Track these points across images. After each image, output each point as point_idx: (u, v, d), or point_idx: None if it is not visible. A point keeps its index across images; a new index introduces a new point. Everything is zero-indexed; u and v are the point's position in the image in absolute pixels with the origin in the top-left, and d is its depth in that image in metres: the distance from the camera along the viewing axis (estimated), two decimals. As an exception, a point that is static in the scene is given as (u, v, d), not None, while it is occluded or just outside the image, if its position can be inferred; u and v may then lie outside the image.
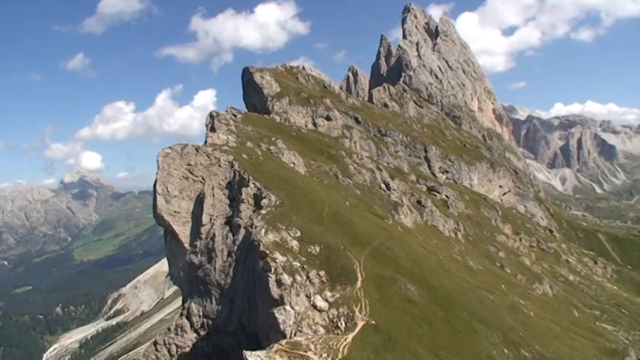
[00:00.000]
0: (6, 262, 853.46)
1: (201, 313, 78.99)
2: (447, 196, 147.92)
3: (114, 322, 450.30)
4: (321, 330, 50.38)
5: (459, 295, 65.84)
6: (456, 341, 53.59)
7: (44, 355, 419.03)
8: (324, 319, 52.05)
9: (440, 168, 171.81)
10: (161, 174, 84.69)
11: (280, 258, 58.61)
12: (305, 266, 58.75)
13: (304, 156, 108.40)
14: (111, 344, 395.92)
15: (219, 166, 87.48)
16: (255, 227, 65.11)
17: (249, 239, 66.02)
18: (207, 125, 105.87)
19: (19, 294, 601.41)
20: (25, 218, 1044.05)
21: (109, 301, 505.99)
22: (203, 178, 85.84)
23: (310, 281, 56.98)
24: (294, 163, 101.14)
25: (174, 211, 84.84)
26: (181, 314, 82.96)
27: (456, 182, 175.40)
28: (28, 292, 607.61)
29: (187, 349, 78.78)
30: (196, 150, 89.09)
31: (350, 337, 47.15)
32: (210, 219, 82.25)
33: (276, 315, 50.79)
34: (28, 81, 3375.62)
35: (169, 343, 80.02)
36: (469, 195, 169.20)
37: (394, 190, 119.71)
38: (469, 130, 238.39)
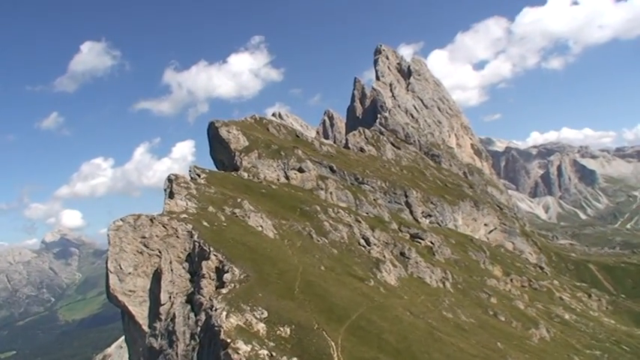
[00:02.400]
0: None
1: (164, 406, 69.99)
2: (431, 242, 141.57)
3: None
4: None
5: (452, 373, 57.93)
6: None
7: None
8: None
9: (422, 212, 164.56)
10: (112, 250, 76.22)
11: (244, 348, 50.81)
12: (274, 354, 51.03)
13: (274, 216, 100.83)
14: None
15: (177, 237, 79.36)
16: (216, 310, 57.39)
17: (210, 323, 57.95)
18: (165, 190, 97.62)
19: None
20: (6, 281, 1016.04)
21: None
22: (160, 252, 77.52)
23: (280, 372, 49.18)
24: (262, 227, 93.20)
25: (130, 290, 76.11)
26: (143, 407, 73.92)
27: (440, 225, 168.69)
28: (11, 358, 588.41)
29: None
30: (151, 220, 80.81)
31: None
32: (170, 297, 73.73)
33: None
34: (3, 142, 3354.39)
35: None
36: (455, 237, 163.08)
37: (374, 244, 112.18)
38: (449, 168, 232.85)
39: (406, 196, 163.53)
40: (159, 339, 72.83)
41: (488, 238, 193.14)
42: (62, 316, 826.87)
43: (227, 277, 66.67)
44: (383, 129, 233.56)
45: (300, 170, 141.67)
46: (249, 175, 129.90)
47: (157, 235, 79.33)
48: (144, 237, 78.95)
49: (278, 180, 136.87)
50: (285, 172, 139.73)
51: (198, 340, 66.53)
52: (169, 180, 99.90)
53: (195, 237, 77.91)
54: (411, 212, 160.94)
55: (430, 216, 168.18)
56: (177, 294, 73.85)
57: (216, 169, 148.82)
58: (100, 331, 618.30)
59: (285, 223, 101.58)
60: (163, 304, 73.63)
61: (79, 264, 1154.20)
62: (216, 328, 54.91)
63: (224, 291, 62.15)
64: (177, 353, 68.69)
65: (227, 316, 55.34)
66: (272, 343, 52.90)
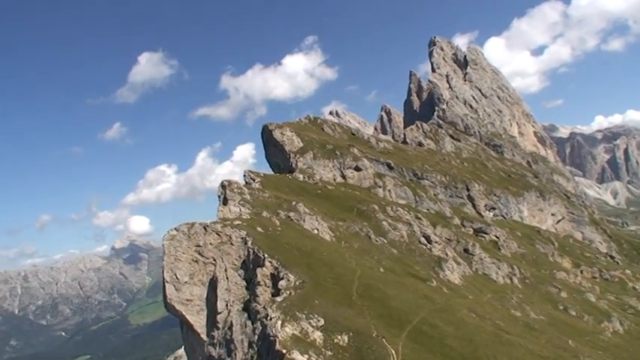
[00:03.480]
0: (63, 333, 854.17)
1: (224, 415, 69.00)
2: (496, 236, 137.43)
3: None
4: None
5: (522, 379, 54.60)
6: None
7: None
8: None
9: (485, 205, 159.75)
10: (167, 260, 75.71)
11: (300, 358, 48.96)
12: (331, 364, 48.75)
13: (331, 217, 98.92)
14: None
15: (232, 244, 78.18)
16: (271, 319, 55.54)
17: (266, 332, 56.30)
18: (219, 197, 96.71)
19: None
20: (79, 288, 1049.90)
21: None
22: (214, 260, 76.56)
23: (339, 384, 47.14)
24: (317, 230, 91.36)
25: (186, 300, 75.48)
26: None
27: (504, 218, 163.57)
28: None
29: None
30: (204, 228, 79.89)
31: None
32: (227, 305, 72.71)
33: None
34: (70, 154, 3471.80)
35: None
36: (521, 230, 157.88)
37: (436, 242, 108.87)
38: (512, 158, 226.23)
39: (468, 190, 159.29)
40: (217, 348, 71.97)
41: (556, 229, 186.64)
42: (133, 320, 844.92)
43: (282, 283, 65.06)
44: (441, 121, 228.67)
45: (357, 169, 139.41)
46: (304, 177, 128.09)
47: (211, 243, 78.42)
48: (198, 245, 78.18)
49: (334, 180, 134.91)
50: (341, 171, 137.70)
51: (256, 349, 65.13)
52: (222, 186, 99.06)
53: (250, 243, 76.58)
54: (474, 206, 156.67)
55: (494, 209, 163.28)
56: (233, 302, 72.73)
57: (272, 173, 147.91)
58: (171, 333, 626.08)
59: (342, 225, 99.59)
60: (220, 313, 72.70)
61: (148, 268, 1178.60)
62: (271, 338, 53.21)
63: (279, 299, 60.45)
64: (236, 362, 67.54)
65: (282, 326, 53.56)
66: (329, 352, 50.99)
